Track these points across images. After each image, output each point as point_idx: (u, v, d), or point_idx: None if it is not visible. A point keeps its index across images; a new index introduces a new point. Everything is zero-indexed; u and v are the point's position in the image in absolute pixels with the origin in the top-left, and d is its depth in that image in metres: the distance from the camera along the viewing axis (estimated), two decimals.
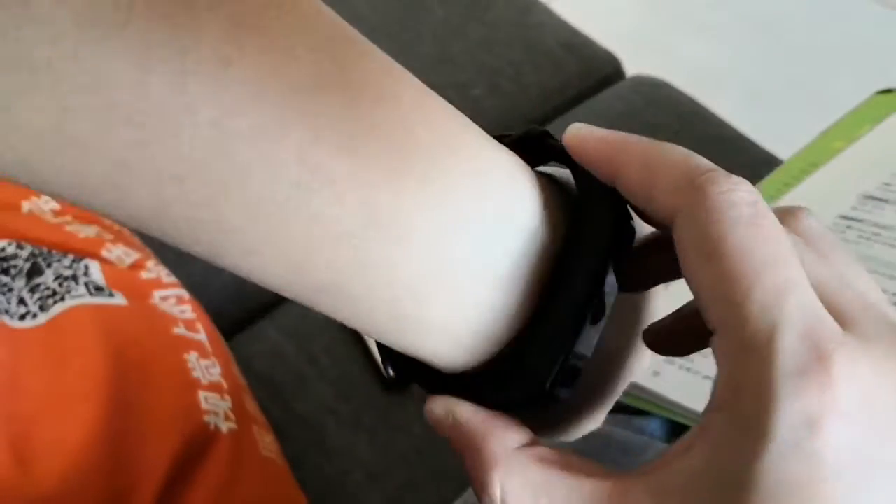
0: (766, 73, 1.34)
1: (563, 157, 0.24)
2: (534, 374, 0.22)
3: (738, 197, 0.20)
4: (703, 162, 0.21)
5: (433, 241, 0.21)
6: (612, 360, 0.25)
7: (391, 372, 0.26)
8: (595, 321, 0.22)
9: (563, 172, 0.25)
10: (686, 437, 0.20)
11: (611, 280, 0.22)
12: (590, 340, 0.22)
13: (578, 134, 0.23)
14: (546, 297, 0.23)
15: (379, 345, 0.25)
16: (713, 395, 0.19)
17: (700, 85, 1.27)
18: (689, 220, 0.20)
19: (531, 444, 0.22)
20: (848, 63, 1.33)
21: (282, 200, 0.20)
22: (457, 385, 0.24)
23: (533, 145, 0.25)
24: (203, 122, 0.18)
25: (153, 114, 0.18)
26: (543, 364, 0.22)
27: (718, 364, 0.19)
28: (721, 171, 0.20)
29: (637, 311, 0.25)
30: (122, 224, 0.22)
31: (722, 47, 1.36)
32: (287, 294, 0.22)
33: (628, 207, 0.23)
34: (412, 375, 0.25)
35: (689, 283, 0.20)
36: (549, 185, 0.24)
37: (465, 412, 0.23)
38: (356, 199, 0.20)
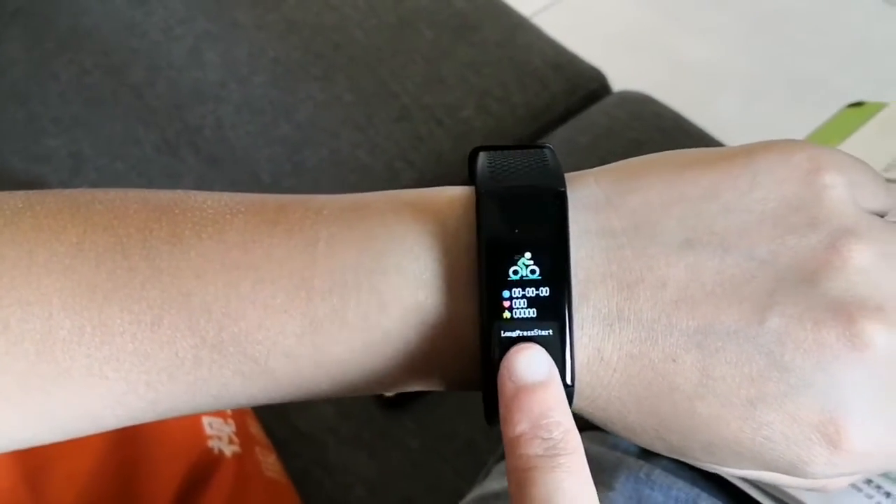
0: (767, 71, 1.35)
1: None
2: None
3: None
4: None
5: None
6: (700, 413, 0.24)
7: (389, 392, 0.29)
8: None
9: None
10: None
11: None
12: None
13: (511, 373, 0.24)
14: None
15: None
16: None
17: (699, 85, 1.30)
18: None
19: None
20: (851, 60, 1.33)
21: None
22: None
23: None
24: None
25: None
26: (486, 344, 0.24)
27: None
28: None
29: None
30: None
31: (721, 46, 1.37)
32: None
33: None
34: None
35: None
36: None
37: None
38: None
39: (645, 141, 0.71)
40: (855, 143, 0.58)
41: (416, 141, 0.76)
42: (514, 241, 0.24)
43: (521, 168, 0.25)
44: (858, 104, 0.61)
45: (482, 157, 0.26)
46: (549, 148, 0.27)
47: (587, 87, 0.79)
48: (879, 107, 0.58)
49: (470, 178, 0.26)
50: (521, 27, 0.82)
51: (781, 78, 1.33)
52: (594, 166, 0.27)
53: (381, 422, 0.62)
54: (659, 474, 0.39)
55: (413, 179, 0.74)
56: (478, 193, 0.24)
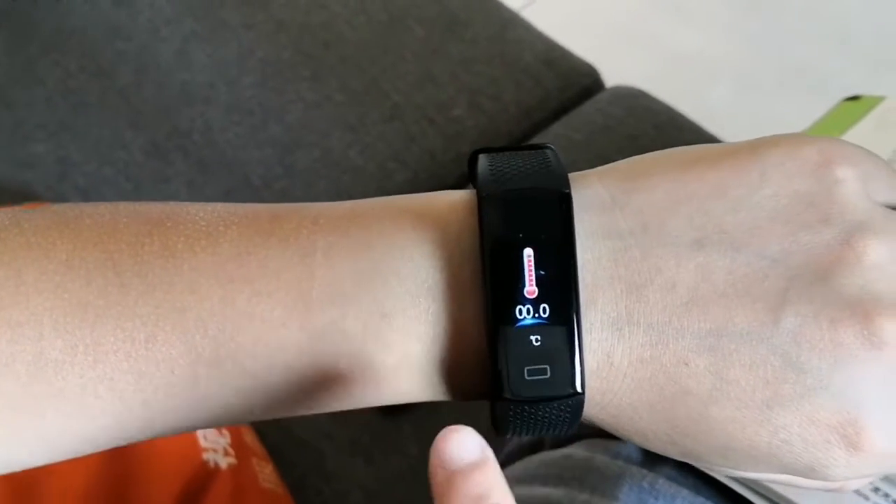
0: (759, 60, 1.34)
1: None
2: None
3: None
4: None
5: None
6: (716, 418, 0.24)
7: None
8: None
9: None
10: None
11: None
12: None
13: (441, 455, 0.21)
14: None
15: None
16: None
17: (691, 75, 1.29)
18: None
19: None
20: (843, 48, 1.33)
21: None
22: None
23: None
24: None
25: None
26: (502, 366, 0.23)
27: None
28: None
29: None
30: None
31: (712, 35, 1.37)
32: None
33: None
34: None
35: None
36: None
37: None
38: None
39: (640, 137, 0.70)
40: (853, 138, 0.57)
41: (408, 140, 0.75)
42: (518, 245, 0.23)
43: (523, 170, 0.24)
44: (855, 98, 0.60)
45: (482, 160, 0.25)
46: (551, 148, 0.26)
47: (580, 82, 0.78)
48: (877, 101, 0.58)
49: (471, 182, 0.26)
50: (511, 23, 0.81)
51: (774, 66, 1.32)
52: (590, 163, 0.26)
53: (378, 427, 0.62)
54: (663, 483, 0.38)
55: (406, 179, 0.73)
56: (479, 197, 0.24)
